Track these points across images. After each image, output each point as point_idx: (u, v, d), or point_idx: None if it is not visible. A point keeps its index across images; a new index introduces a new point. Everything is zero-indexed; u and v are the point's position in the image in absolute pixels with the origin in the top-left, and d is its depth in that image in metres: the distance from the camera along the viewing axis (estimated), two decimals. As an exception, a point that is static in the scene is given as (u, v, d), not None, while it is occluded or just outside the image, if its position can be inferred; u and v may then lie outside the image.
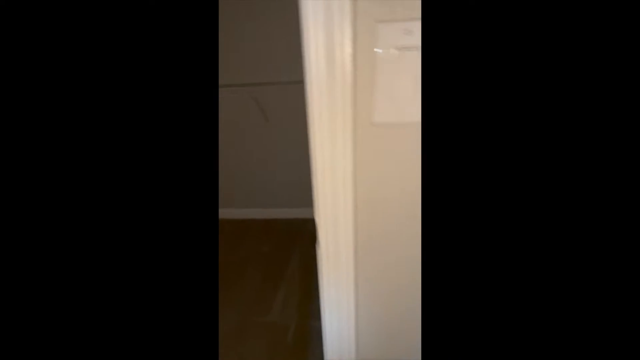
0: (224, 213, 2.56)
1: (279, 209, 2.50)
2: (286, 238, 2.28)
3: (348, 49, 0.61)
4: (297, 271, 1.94)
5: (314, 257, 2.07)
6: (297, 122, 2.24)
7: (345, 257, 0.80)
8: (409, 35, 0.60)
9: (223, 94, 2.16)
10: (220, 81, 2.14)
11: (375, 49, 0.62)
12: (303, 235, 2.30)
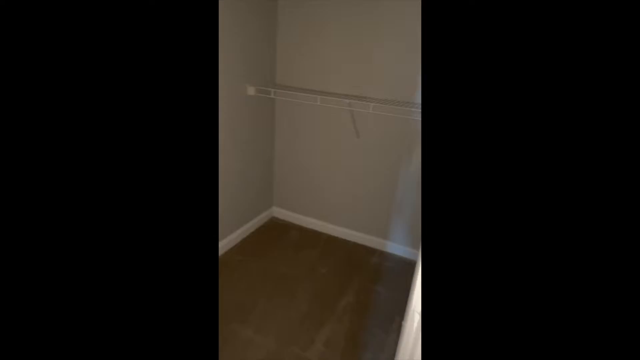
0: (293, 218, 2.49)
1: (345, 229, 2.33)
2: (347, 264, 2.10)
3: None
4: (350, 308, 1.76)
5: (370, 296, 1.83)
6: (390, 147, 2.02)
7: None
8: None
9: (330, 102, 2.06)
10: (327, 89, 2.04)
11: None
12: (366, 267, 2.10)
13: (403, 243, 2.20)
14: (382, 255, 2.22)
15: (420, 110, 1.80)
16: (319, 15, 1.95)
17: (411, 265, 2.11)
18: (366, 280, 1.97)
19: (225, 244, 2.10)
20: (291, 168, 2.38)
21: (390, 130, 1.99)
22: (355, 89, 1.99)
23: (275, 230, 2.41)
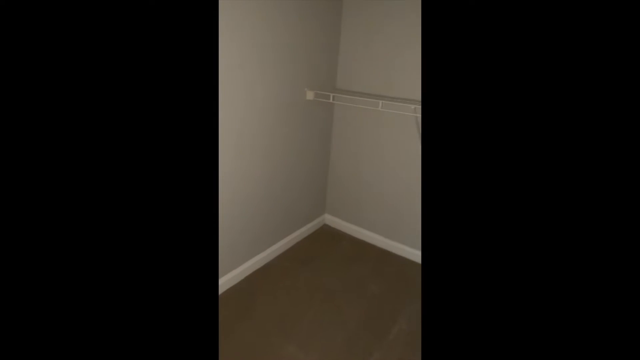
0: (345, 227, 2.38)
1: (399, 244, 2.15)
2: (400, 283, 1.93)
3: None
4: (403, 336, 1.58)
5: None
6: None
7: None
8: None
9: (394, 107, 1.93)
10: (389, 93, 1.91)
11: None
12: (419, 287, 1.90)
13: (467, 267, 1.95)
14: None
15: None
16: (384, 16, 1.82)
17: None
18: (420, 304, 1.78)
19: (275, 250, 2.07)
20: (346, 175, 2.27)
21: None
22: (416, 94, 1.82)
23: (327, 238, 2.32)
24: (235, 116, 1.53)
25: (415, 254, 2.11)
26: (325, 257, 2.12)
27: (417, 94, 1.83)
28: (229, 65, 1.43)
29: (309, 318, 1.64)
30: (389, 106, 1.92)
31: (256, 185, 1.79)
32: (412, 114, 1.85)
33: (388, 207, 2.15)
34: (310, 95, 1.94)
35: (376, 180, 2.14)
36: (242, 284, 1.84)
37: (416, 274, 2.01)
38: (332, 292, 1.83)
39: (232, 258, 1.78)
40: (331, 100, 2.05)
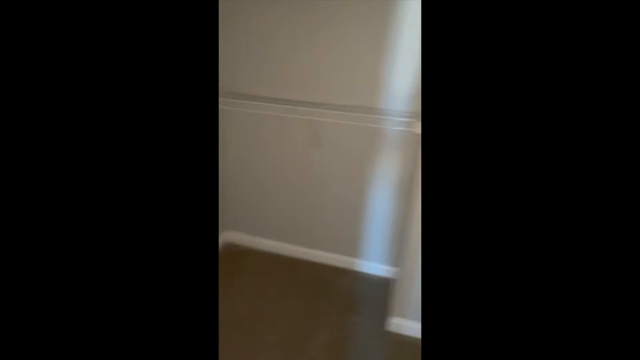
0: (252, 242, 2.21)
1: (310, 249, 2.10)
2: (316, 292, 1.87)
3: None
4: (325, 348, 1.52)
5: (346, 330, 1.58)
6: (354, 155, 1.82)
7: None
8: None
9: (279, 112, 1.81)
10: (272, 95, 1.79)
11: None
12: (338, 293, 1.88)
13: (378, 260, 2.01)
14: (354, 276, 2.02)
15: (386, 117, 1.63)
16: (267, 16, 1.69)
17: (387, 284, 1.94)
18: (340, 309, 1.76)
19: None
20: (246, 186, 2.09)
21: (357, 139, 1.79)
22: (315, 96, 1.76)
23: (231, 259, 2.11)
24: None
25: (327, 257, 2.08)
26: (232, 283, 1.92)
27: (311, 96, 1.76)
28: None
29: (222, 358, 1.44)
30: (282, 110, 1.81)
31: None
32: (307, 118, 1.78)
33: (295, 213, 2.06)
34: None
35: (278, 188, 2.03)
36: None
37: (331, 277, 1.99)
38: (243, 322, 1.66)
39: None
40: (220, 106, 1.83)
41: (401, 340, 1.59)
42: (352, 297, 1.86)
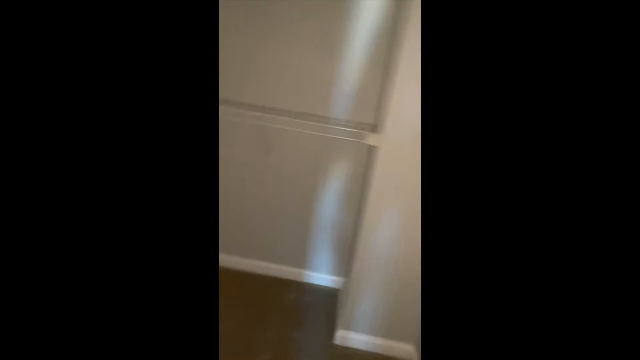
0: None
1: (254, 260, 1.99)
2: (259, 307, 1.77)
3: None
4: (269, 370, 1.43)
5: (288, 348, 1.49)
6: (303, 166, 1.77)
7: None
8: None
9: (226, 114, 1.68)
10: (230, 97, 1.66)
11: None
12: (281, 307, 1.80)
13: (324, 271, 1.97)
14: (300, 287, 1.95)
15: (338, 127, 1.60)
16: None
17: (334, 295, 1.90)
18: (283, 325, 1.67)
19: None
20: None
21: (306, 148, 1.73)
22: (262, 100, 1.67)
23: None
24: None
25: (271, 268, 1.99)
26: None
27: (259, 100, 1.67)
28: None
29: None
30: (226, 113, 1.68)
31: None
32: (255, 123, 1.68)
33: (238, 223, 1.93)
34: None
35: (220, 198, 1.89)
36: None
37: (275, 290, 1.90)
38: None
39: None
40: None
41: (347, 353, 1.56)
42: (297, 310, 1.79)
